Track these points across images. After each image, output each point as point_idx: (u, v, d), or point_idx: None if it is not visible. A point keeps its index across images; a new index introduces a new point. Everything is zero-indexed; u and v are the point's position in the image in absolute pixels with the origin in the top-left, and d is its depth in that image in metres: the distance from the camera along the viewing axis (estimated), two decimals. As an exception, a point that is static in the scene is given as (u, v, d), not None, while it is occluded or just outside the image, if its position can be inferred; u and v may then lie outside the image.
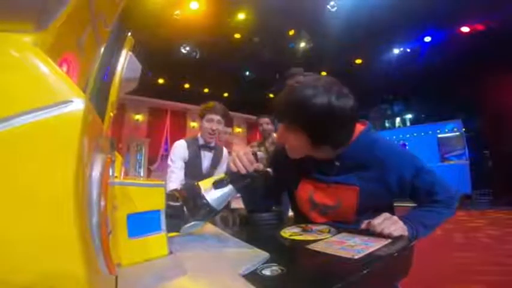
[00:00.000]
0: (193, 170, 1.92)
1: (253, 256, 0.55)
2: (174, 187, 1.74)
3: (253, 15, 5.74)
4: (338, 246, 0.58)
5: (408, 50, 6.97)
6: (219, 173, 2.03)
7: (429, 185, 0.84)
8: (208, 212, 0.70)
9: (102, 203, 0.31)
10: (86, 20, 0.43)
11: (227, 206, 1.25)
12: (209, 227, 0.86)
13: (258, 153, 0.78)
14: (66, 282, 0.26)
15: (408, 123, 9.14)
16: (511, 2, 4.85)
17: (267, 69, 7.48)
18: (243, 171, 0.73)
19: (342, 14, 5.46)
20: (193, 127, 8.80)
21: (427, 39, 6.47)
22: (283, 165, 0.92)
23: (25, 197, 0.26)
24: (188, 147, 1.92)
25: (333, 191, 0.84)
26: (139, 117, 8.32)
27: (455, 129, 7.60)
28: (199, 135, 1.99)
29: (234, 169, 0.74)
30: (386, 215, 0.72)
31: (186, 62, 6.94)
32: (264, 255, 0.55)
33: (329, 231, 0.72)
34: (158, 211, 0.59)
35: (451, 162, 7.46)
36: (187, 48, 6.77)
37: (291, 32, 6.40)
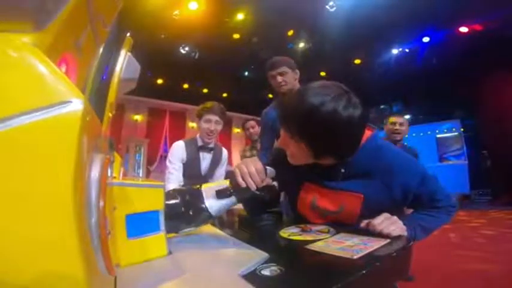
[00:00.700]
0: (191, 171, 1.91)
1: (253, 256, 0.55)
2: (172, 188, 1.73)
3: (252, 16, 5.74)
4: (337, 246, 0.59)
5: (407, 50, 6.98)
6: (218, 175, 2.03)
7: (433, 192, 0.84)
8: (206, 218, 0.71)
9: (101, 204, 0.31)
10: (85, 20, 0.43)
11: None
12: (208, 228, 0.86)
13: (268, 168, 0.76)
14: (65, 282, 0.26)
15: (407, 123, 9.13)
16: (509, 3, 4.86)
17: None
18: (253, 188, 0.70)
19: (341, 14, 5.46)
20: (193, 127, 8.79)
21: (426, 39, 6.48)
22: (284, 167, 0.89)
23: (24, 198, 0.26)
24: (186, 148, 1.90)
25: (336, 196, 0.82)
26: (138, 117, 8.31)
27: (453, 129, 7.62)
28: (197, 136, 1.97)
29: (243, 184, 0.70)
30: (386, 215, 0.72)
31: (185, 62, 6.92)
32: (263, 255, 0.55)
33: (328, 232, 0.72)
34: (157, 211, 0.59)
35: (450, 162, 7.47)
36: (187, 49, 6.76)
37: (290, 32, 6.40)
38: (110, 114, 0.62)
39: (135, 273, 0.50)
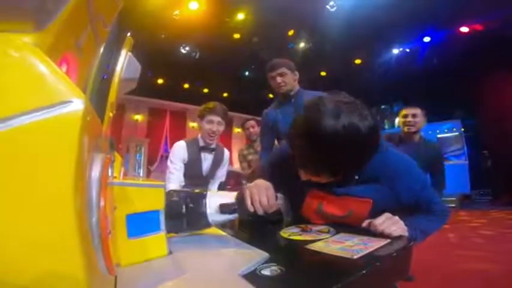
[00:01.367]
0: (193, 171, 1.90)
1: (253, 256, 0.55)
2: (174, 188, 1.72)
3: (252, 15, 5.74)
4: (337, 246, 0.59)
5: (408, 50, 6.97)
6: (220, 175, 2.02)
7: (430, 196, 0.87)
8: (205, 226, 0.71)
9: (102, 203, 0.31)
10: (85, 20, 0.43)
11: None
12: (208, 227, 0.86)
13: (278, 195, 0.76)
14: (66, 282, 0.26)
15: (407, 123, 9.12)
16: (510, 2, 4.85)
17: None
18: (261, 213, 0.70)
19: (341, 14, 5.45)
20: (193, 127, 8.78)
21: (427, 39, 6.47)
22: (286, 172, 0.87)
23: (24, 197, 0.26)
24: (188, 148, 1.89)
25: (344, 202, 0.81)
26: (138, 117, 8.31)
27: (454, 129, 7.60)
28: (199, 136, 1.95)
29: (251, 209, 0.69)
30: (387, 215, 0.72)
31: (186, 62, 6.92)
32: (264, 255, 0.55)
33: (328, 232, 0.72)
34: (157, 211, 0.59)
35: (450, 162, 7.45)
36: (187, 48, 6.76)
37: (291, 32, 6.39)
38: (111, 114, 0.62)
39: (135, 273, 0.50)
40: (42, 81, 0.28)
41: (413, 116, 2.14)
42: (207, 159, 1.94)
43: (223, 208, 0.69)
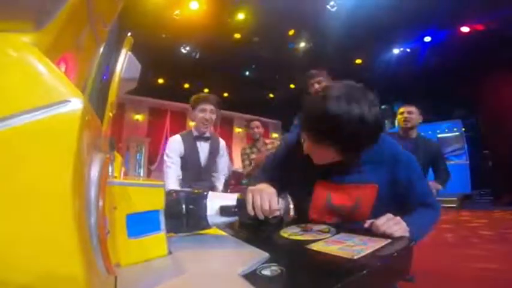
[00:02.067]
0: (191, 162, 1.92)
1: (253, 256, 0.55)
2: (172, 183, 1.74)
3: (253, 15, 5.74)
4: (337, 246, 0.58)
5: (408, 50, 6.96)
6: (221, 168, 2.03)
7: (424, 190, 0.90)
8: (205, 227, 0.71)
9: (100, 203, 0.31)
10: (85, 20, 0.43)
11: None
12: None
13: (280, 201, 0.76)
14: (65, 282, 0.26)
15: (408, 123, 9.13)
16: (510, 2, 4.84)
17: (267, 69, 7.47)
18: (261, 218, 0.71)
19: (342, 14, 5.44)
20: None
21: (427, 39, 6.46)
22: (293, 167, 0.89)
23: (23, 197, 0.25)
24: (183, 141, 1.92)
25: (351, 191, 0.83)
26: (139, 117, 8.32)
27: (455, 129, 7.60)
28: (192, 128, 1.99)
29: (251, 213, 0.70)
30: (389, 215, 0.73)
31: (186, 62, 6.93)
32: (264, 255, 0.55)
33: (328, 231, 0.72)
34: (157, 211, 0.59)
35: (451, 162, 7.44)
36: (187, 48, 6.76)
37: (291, 32, 6.39)
38: (111, 114, 0.62)
39: (136, 273, 0.50)
40: (41, 81, 0.28)
41: (409, 112, 2.30)
42: (203, 149, 1.97)
43: (224, 210, 0.69)
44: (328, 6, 5.49)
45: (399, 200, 0.86)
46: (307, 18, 5.72)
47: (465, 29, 5.97)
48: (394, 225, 0.70)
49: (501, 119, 6.66)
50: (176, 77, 7.75)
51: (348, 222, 0.83)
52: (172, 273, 0.50)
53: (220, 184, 2.07)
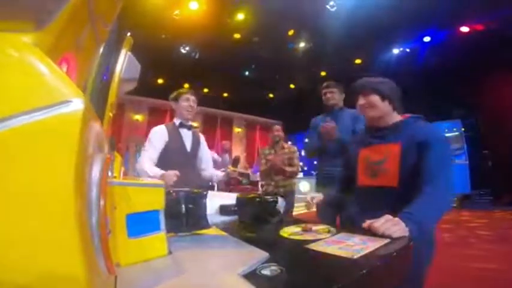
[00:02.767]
0: (177, 149, 1.97)
1: (253, 256, 0.55)
2: (144, 164, 1.80)
3: (252, 15, 5.74)
4: (337, 246, 0.59)
5: (408, 50, 6.97)
6: (205, 160, 2.07)
7: (439, 160, 0.98)
8: (204, 227, 0.71)
9: (102, 203, 0.31)
10: (85, 19, 0.43)
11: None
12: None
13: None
14: (66, 282, 0.26)
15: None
16: (510, 2, 4.85)
17: (266, 69, 7.48)
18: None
19: (342, 14, 5.45)
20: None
21: (427, 39, 6.47)
22: (349, 152, 1.30)
23: (24, 197, 0.26)
24: (167, 129, 1.99)
25: (379, 149, 1.12)
26: (138, 117, 8.32)
27: (454, 129, 7.59)
28: (174, 120, 2.07)
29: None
30: (387, 216, 0.73)
31: (186, 62, 6.93)
32: (263, 255, 0.55)
33: (328, 231, 0.72)
34: (157, 211, 0.59)
35: (451, 162, 7.44)
36: (187, 48, 6.76)
37: (291, 32, 6.39)
38: (111, 114, 0.62)
39: (136, 272, 0.50)
40: (42, 81, 0.28)
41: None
42: (187, 136, 2.05)
43: (223, 210, 0.69)
44: (327, 6, 5.50)
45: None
46: (307, 18, 5.73)
47: (465, 29, 5.98)
48: (392, 226, 0.70)
49: (501, 119, 6.66)
50: (176, 77, 7.74)
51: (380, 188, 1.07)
52: (172, 273, 0.50)
53: (213, 170, 2.17)
